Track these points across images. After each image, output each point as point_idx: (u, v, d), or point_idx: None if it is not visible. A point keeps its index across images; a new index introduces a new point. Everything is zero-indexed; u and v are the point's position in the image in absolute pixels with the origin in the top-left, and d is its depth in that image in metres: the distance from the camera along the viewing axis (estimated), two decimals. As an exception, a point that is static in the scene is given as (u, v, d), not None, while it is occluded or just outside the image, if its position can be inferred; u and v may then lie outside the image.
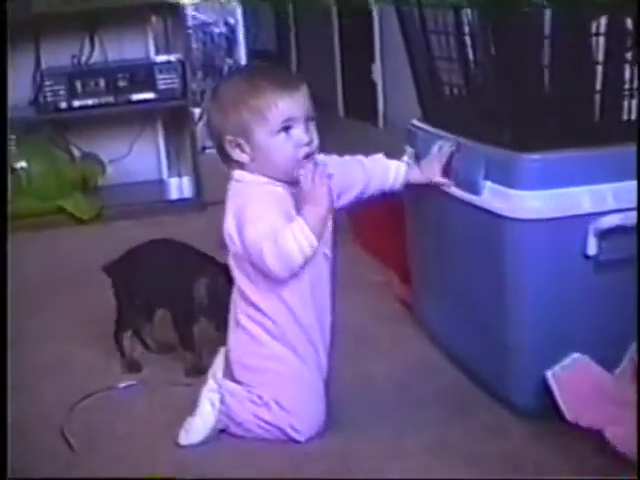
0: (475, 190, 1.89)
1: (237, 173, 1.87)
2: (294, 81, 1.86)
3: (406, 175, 2.07)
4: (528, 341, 1.87)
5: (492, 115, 1.93)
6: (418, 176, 2.07)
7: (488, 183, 1.87)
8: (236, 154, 1.85)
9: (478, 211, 1.89)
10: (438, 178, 2.03)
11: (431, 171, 2.05)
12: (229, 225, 1.84)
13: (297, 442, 1.87)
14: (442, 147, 2.04)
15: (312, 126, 1.86)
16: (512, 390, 1.92)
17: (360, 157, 2.04)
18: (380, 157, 2.07)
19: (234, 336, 1.93)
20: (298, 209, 1.81)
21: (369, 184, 2.02)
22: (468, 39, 1.96)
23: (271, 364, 1.88)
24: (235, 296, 1.93)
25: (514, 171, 1.81)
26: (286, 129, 1.81)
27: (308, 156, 1.83)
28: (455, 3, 1.92)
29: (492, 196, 1.85)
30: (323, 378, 1.94)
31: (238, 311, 1.91)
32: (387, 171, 2.06)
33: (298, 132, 1.82)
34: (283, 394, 1.87)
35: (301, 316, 1.87)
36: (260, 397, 1.87)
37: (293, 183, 1.83)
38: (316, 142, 1.86)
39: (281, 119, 1.81)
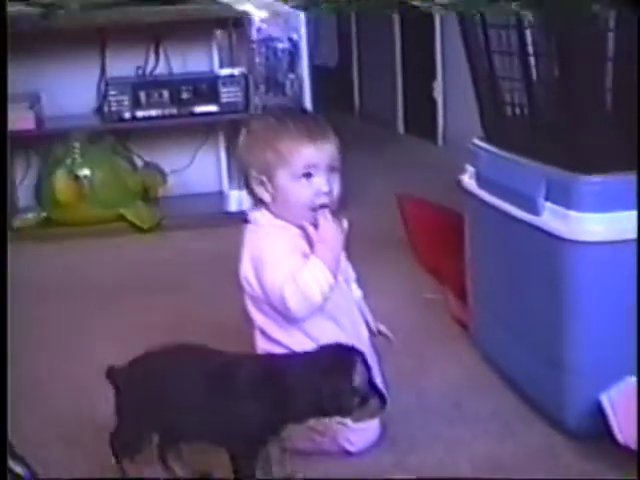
0: (535, 210, 1.89)
1: (253, 216, 1.90)
2: (322, 130, 1.87)
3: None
4: (584, 364, 1.86)
5: (554, 135, 1.93)
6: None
7: (548, 204, 1.86)
8: (260, 191, 1.87)
9: (537, 232, 1.89)
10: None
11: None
12: (246, 269, 1.87)
13: (349, 453, 1.88)
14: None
15: (335, 177, 1.87)
16: (565, 411, 1.91)
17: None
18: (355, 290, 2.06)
19: None
20: (312, 250, 1.83)
21: None
22: (532, 59, 1.96)
23: None
24: (256, 336, 1.93)
25: (575, 193, 1.80)
26: (307, 175, 1.84)
27: (324, 206, 1.84)
28: (519, 15, 1.92)
29: (552, 217, 1.85)
30: None
31: (258, 350, 1.92)
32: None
33: (319, 180, 1.84)
34: None
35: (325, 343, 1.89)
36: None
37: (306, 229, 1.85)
38: (335, 193, 1.87)
39: (302, 164, 1.83)
